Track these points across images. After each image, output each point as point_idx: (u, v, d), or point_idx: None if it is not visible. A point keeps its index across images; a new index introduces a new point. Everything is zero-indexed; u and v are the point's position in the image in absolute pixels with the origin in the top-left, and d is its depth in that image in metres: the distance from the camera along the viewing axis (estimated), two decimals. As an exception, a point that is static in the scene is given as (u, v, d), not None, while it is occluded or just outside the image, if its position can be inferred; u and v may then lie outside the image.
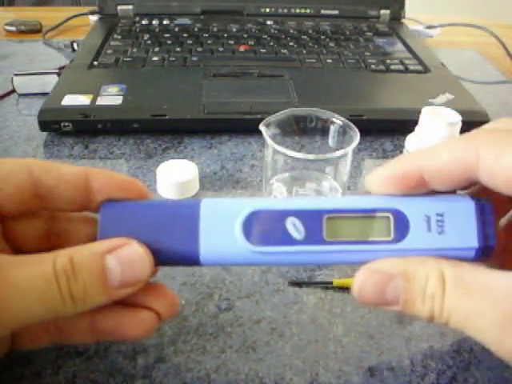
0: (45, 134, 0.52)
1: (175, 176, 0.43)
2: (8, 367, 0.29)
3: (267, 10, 0.80)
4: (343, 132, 0.37)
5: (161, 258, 0.26)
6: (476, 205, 0.25)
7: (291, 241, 0.25)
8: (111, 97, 0.53)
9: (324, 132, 0.39)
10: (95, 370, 0.29)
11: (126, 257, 0.24)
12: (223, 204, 0.27)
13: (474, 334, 0.23)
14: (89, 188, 0.26)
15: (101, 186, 0.26)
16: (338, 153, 0.35)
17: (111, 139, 0.52)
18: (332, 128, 0.38)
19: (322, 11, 0.80)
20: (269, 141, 0.35)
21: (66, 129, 0.51)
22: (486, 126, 0.27)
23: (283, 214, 0.26)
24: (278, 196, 0.38)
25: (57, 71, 0.60)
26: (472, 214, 0.25)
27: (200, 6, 0.79)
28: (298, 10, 0.80)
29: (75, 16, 0.84)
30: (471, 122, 0.52)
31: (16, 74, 0.59)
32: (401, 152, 0.43)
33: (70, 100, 0.53)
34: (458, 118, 0.39)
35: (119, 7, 0.78)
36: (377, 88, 0.60)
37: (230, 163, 0.49)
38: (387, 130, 0.54)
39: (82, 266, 0.23)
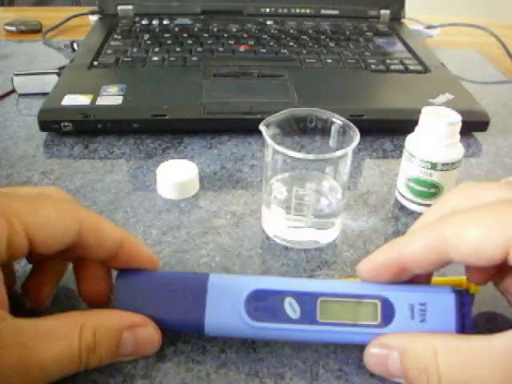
0: (45, 133, 0.52)
1: (175, 176, 0.43)
2: (8, 367, 0.29)
3: (267, 9, 0.80)
4: (343, 132, 0.37)
5: (168, 326, 0.30)
6: (455, 297, 0.29)
7: (288, 319, 0.29)
8: (111, 97, 0.53)
9: (324, 132, 0.39)
10: (95, 369, 0.29)
11: (140, 337, 0.28)
12: (228, 281, 0.30)
13: None
14: (118, 253, 0.29)
15: (128, 256, 0.30)
16: (338, 153, 0.35)
17: (111, 139, 0.52)
18: (332, 128, 0.38)
19: (322, 11, 0.80)
20: (269, 141, 0.35)
21: (66, 129, 0.51)
22: (450, 205, 0.29)
23: (282, 295, 0.29)
24: (278, 196, 0.38)
25: (57, 71, 0.60)
26: (452, 305, 0.28)
27: (200, 5, 0.79)
28: (297, 10, 0.80)
29: (75, 16, 0.84)
30: (471, 122, 0.53)
31: (16, 74, 0.59)
32: (401, 152, 0.43)
33: (69, 100, 0.53)
34: (457, 118, 0.39)
35: (119, 7, 0.78)
36: (377, 88, 0.60)
37: (230, 163, 0.49)
38: (387, 129, 0.54)
39: (102, 342, 0.26)
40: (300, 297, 0.29)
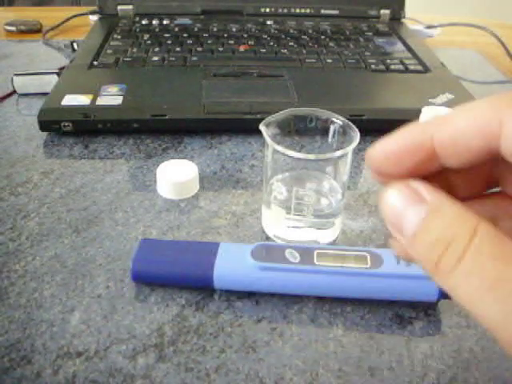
0: (45, 133, 0.52)
1: (175, 176, 0.43)
2: (8, 367, 0.29)
3: (267, 9, 0.80)
4: (343, 132, 0.37)
5: (181, 279, 0.34)
6: None
7: (289, 262, 0.33)
8: (111, 97, 0.53)
9: (324, 132, 0.39)
10: (95, 369, 0.29)
11: None
12: (237, 245, 0.36)
13: (485, 309, 0.18)
14: None
15: None
16: (338, 153, 0.35)
17: (111, 139, 0.52)
18: (332, 128, 0.38)
19: (322, 11, 0.80)
20: (269, 141, 0.35)
21: (66, 129, 0.51)
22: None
23: (284, 247, 0.34)
24: (278, 196, 0.38)
25: (57, 71, 0.60)
26: None
27: (200, 5, 0.79)
28: (297, 10, 0.80)
29: (75, 16, 0.84)
30: (471, 122, 0.52)
31: (16, 74, 0.59)
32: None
33: (69, 100, 0.53)
34: (458, 118, 0.39)
35: (119, 7, 0.78)
36: (377, 88, 0.60)
37: (230, 163, 0.49)
38: (387, 130, 0.54)
39: None
40: (299, 249, 0.34)
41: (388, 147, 0.23)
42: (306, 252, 0.34)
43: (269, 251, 0.34)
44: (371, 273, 0.32)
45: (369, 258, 0.33)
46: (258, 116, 0.49)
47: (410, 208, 0.20)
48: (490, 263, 0.18)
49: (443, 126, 0.21)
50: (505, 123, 0.20)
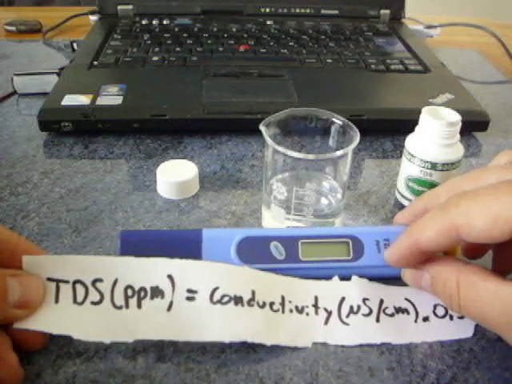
0: (45, 133, 0.52)
1: (175, 176, 0.43)
2: (8, 367, 0.29)
3: (267, 9, 0.80)
4: (343, 132, 0.37)
5: None
6: None
7: (275, 260, 0.33)
8: (111, 97, 0.53)
9: (324, 132, 0.39)
10: (95, 369, 0.29)
11: (25, 281, 0.28)
12: (220, 232, 0.35)
13: (488, 329, 0.29)
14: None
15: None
16: (338, 153, 0.35)
17: (111, 139, 0.52)
18: (332, 128, 0.38)
19: (322, 11, 0.80)
20: (269, 141, 0.35)
21: (66, 129, 0.51)
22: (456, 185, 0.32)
23: (268, 239, 0.33)
24: (278, 196, 0.38)
25: (57, 71, 0.60)
26: None
27: (200, 5, 0.79)
28: (297, 10, 0.80)
29: (75, 16, 0.84)
30: (471, 122, 0.53)
31: (16, 74, 0.59)
32: (401, 152, 0.43)
33: (69, 100, 0.53)
34: (457, 118, 0.39)
35: (119, 7, 0.78)
36: (377, 88, 0.60)
37: (230, 163, 0.49)
38: (387, 129, 0.54)
39: None
40: (284, 240, 0.33)
41: (393, 255, 0.32)
42: (290, 245, 0.33)
43: (253, 247, 0.33)
44: (353, 266, 0.33)
45: (351, 246, 0.34)
46: (258, 116, 0.49)
47: (421, 279, 0.31)
48: (473, 307, 0.28)
49: (421, 237, 0.30)
50: (459, 228, 0.28)
